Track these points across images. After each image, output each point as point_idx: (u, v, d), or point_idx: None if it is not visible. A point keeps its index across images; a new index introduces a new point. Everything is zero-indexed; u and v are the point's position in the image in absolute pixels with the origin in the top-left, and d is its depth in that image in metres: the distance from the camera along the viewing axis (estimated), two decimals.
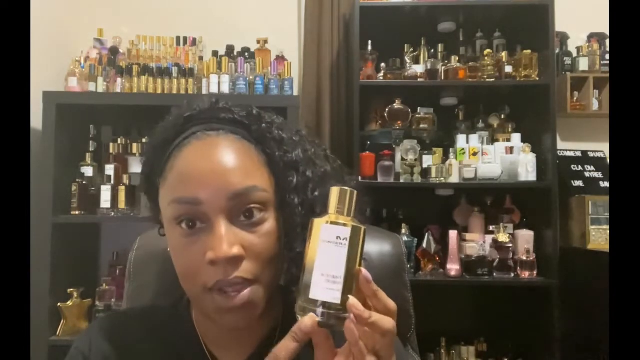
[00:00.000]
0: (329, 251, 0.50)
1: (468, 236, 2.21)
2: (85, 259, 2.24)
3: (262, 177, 0.60)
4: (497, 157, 2.24)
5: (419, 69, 2.31)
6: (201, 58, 2.34)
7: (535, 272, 2.11)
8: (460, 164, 2.21)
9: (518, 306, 2.30)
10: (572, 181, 2.33)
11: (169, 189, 0.59)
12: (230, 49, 2.38)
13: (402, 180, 2.20)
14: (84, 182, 2.00)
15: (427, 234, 2.19)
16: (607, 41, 2.49)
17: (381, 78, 2.32)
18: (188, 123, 0.62)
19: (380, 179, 2.19)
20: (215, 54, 2.31)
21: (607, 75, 2.40)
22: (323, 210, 0.54)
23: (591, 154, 2.46)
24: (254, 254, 0.57)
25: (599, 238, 2.16)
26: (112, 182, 2.01)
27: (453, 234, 2.14)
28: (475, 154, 2.25)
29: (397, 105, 2.30)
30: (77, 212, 1.97)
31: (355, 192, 0.53)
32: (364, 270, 0.51)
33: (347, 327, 0.48)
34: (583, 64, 2.44)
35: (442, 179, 2.19)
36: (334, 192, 0.53)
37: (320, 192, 0.60)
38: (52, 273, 1.88)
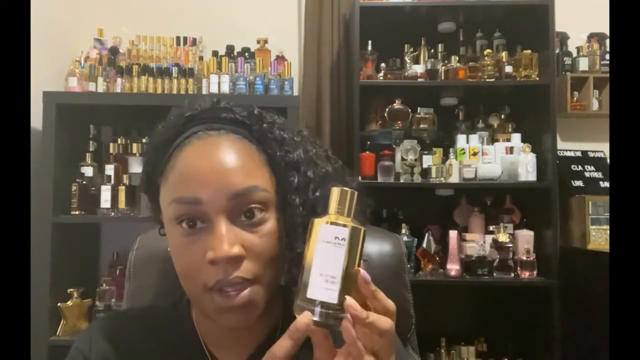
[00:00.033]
0: (327, 251, 0.50)
1: (468, 236, 2.21)
2: (85, 259, 2.24)
3: (263, 177, 0.60)
4: (497, 157, 2.24)
5: (419, 69, 2.31)
6: (201, 58, 2.34)
7: (535, 272, 2.11)
8: (460, 164, 2.21)
9: (518, 306, 2.30)
10: (572, 181, 2.33)
11: (169, 188, 0.59)
12: (230, 49, 2.38)
13: (402, 180, 2.20)
14: (84, 182, 2.00)
15: (427, 234, 2.19)
16: (607, 41, 2.49)
17: (381, 78, 2.32)
18: (189, 122, 0.62)
19: (380, 179, 2.19)
20: (215, 54, 2.31)
21: (607, 75, 2.40)
22: (324, 211, 0.53)
23: (591, 154, 2.46)
24: (255, 254, 0.57)
25: (599, 238, 2.16)
26: (112, 182, 2.01)
27: (453, 234, 2.14)
28: (475, 154, 2.25)
29: (397, 105, 2.30)
30: (77, 212, 1.97)
31: (356, 193, 0.53)
32: (362, 271, 0.51)
33: (344, 327, 0.48)
34: (583, 64, 2.44)
35: (442, 179, 2.19)
36: (334, 192, 0.53)
37: (322, 193, 0.60)
38: (52, 273, 1.88)
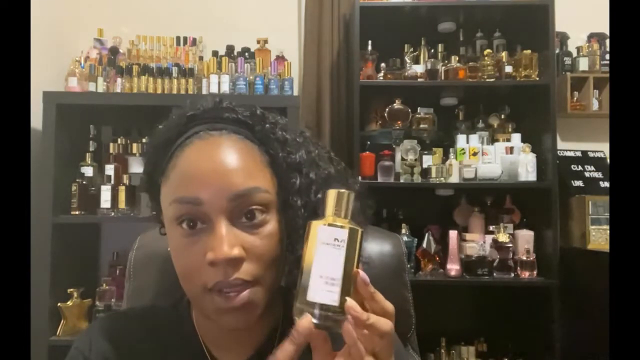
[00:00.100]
0: (326, 253, 0.50)
1: (468, 236, 2.21)
2: (85, 259, 2.24)
3: (265, 178, 0.59)
4: (497, 157, 2.24)
5: (419, 69, 2.31)
6: (201, 58, 2.34)
7: (535, 272, 2.11)
8: (460, 164, 2.21)
9: (518, 306, 2.30)
10: (572, 181, 2.33)
11: (170, 188, 0.59)
12: (230, 49, 2.38)
13: (402, 180, 2.20)
14: (84, 182, 2.00)
15: (427, 234, 2.19)
16: (607, 41, 2.49)
17: (381, 78, 2.32)
18: (191, 122, 0.62)
19: (380, 179, 2.19)
20: (215, 54, 2.31)
21: (607, 75, 2.40)
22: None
23: (591, 154, 2.46)
24: (255, 256, 0.56)
25: (599, 238, 2.16)
26: (112, 182, 2.01)
27: (453, 234, 2.14)
28: (475, 154, 2.25)
29: (397, 105, 2.30)
30: (77, 212, 1.97)
31: (353, 194, 0.53)
32: (361, 272, 0.50)
33: (345, 329, 0.48)
34: (583, 64, 2.44)
35: (442, 179, 2.19)
36: (331, 194, 0.53)
37: (323, 195, 0.60)
38: (52, 273, 1.88)
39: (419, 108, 2.38)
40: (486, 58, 2.28)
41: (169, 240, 0.60)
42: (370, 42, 2.34)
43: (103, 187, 1.99)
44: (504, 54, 2.30)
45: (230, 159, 0.57)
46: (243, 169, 0.57)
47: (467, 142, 2.29)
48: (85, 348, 0.64)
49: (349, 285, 0.50)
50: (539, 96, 2.22)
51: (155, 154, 0.63)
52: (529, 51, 2.25)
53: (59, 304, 1.90)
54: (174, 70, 2.18)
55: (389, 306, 0.51)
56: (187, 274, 0.58)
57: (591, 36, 2.51)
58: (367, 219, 0.65)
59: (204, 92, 2.15)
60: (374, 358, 0.50)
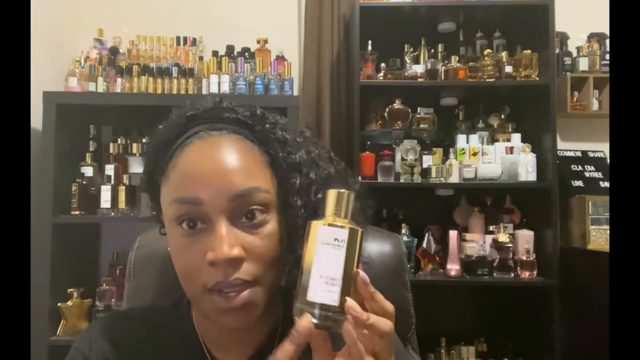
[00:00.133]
0: (326, 253, 0.50)
1: (468, 236, 2.21)
2: (85, 259, 2.24)
3: (265, 178, 0.59)
4: (497, 157, 2.24)
5: (419, 69, 2.31)
6: (201, 58, 2.34)
7: (535, 272, 2.11)
8: (460, 164, 2.21)
9: (518, 306, 2.30)
10: (572, 181, 2.33)
11: (170, 188, 0.59)
12: (230, 49, 2.38)
13: (402, 180, 2.20)
14: (84, 182, 2.00)
15: (427, 234, 2.19)
16: (607, 41, 2.49)
17: (381, 78, 2.32)
18: (191, 122, 0.61)
19: (380, 179, 2.20)
20: (215, 54, 2.31)
21: (607, 75, 2.40)
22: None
23: (591, 154, 2.46)
24: (255, 256, 0.56)
25: (599, 238, 2.16)
26: (112, 182, 2.01)
27: (453, 234, 2.14)
28: (475, 154, 2.25)
29: (397, 105, 2.30)
30: (77, 212, 1.97)
31: (352, 194, 0.53)
32: (361, 272, 0.50)
33: (345, 329, 0.48)
34: (583, 64, 2.44)
35: (442, 179, 2.19)
36: (331, 194, 0.53)
37: (323, 195, 0.60)
38: (52, 273, 1.88)
39: (419, 108, 2.38)
40: (486, 58, 2.28)
41: (169, 240, 0.60)
42: (370, 42, 2.33)
43: (103, 187, 1.99)
44: (504, 54, 2.30)
45: (230, 159, 0.57)
46: (243, 169, 0.57)
47: (467, 142, 2.29)
48: (85, 348, 0.64)
49: (349, 285, 0.50)
50: (539, 96, 2.22)
51: (155, 154, 0.63)
52: (529, 51, 2.25)
53: (59, 304, 1.90)
54: (174, 70, 2.18)
55: (389, 306, 0.51)
56: (187, 274, 0.58)
57: (591, 36, 2.51)
58: (367, 219, 0.65)
59: (204, 92, 2.15)
60: (374, 358, 0.50)
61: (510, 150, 2.21)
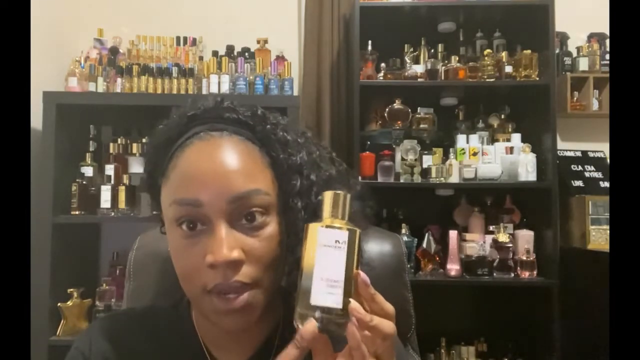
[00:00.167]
0: (328, 255, 0.49)
1: (468, 236, 2.21)
2: (85, 259, 2.24)
3: (265, 179, 0.59)
4: (497, 157, 2.24)
5: (419, 69, 2.31)
6: (201, 58, 2.34)
7: (535, 272, 2.11)
8: (460, 164, 2.21)
9: (518, 306, 2.30)
10: (572, 181, 2.33)
11: (170, 189, 0.58)
12: (230, 49, 2.38)
13: (402, 180, 2.20)
14: (84, 182, 2.00)
15: (427, 234, 2.19)
16: (607, 41, 2.49)
17: (381, 78, 2.32)
18: (191, 122, 0.61)
19: (380, 179, 2.20)
20: (215, 54, 2.31)
21: (607, 75, 2.40)
22: None
23: (591, 154, 2.46)
24: (255, 258, 0.56)
25: (599, 238, 2.16)
26: (112, 182, 2.01)
27: (453, 234, 2.14)
28: (475, 154, 2.25)
29: (397, 105, 2.30)
30: (77, 212, 1.97)
31: (349, 195, 0.53)
32: (362, 274, 0.50)
33: (349, 331, 0.48)
34: (583, 64, 2.44)
35: (442, 179, 2.19)
36: (328, 196, 0.53)
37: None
38: (52, 273, 1.88)
39: (419, 108, 2.38)
40: (486, 58, 2.28)
41: (169, 241, 0.60)
42: (370, 42, 2.33)
43: (103, 187, 1.99)
44: (504, 54, 2.30)
45: (230, 160, 0.57)
46: (243, 171, 0.57)
47: (467, 142, 2.29)
48: (85, 348, 0.64)
49: (350, 287, 0.49)
50: (539, 96, 2.22)
51: (156, 153, 0.62)
52: (529, 51, 2.25)
53: (59, 304, 1.90)
54: (174, 70, 2.18)
55: (390, 307, 0.51)
56: (187, 275, 0.58)
57: (591, 36, 2.51)
58: (368, 221, 0.65)
59: (204, 92, 2.15)
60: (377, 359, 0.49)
61: (510, 150, 2.21)
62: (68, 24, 2.40)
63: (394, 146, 2.28)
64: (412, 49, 2.36)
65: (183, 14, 2.53)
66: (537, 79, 2.24)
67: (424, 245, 2.17)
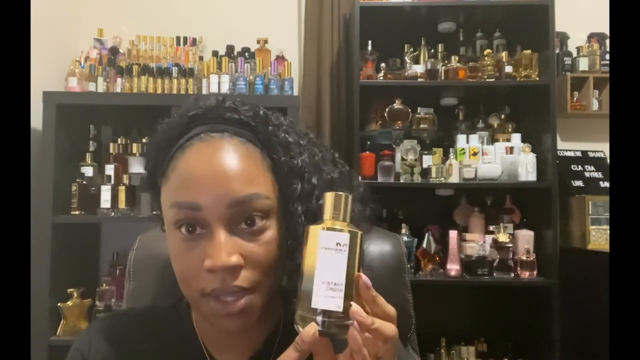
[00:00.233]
0: (329, 258, 0.49)
1: (468, 236, 2.21)
2: (85, 259, 2.24)
3: (266, 183, 0.58)
4: (497, 157, 2.24)
5: (419, 69, 2.31)
6: (201, 58, 2.34)
7: (535, 272, 2.11)
8: (460, 164, 2.21)
9: (518, 306, 2.30)
10: (572, 181, 2.33)
11: (170, 190, 0.58)
12: (230, 49, 2.38)
13: (402, 180, 2.20)
14: (84, 182, 2.00)
15: (427, 234, 2.19)
16: (607, 41, 2.49)
17: (381, 78, 2.32)
18: (192, 122, 0.60)
19: (380, 179, 2.20)
20: (215, 54, 2.31)
21: (607, 75, 2.40)
22: None
23: (591, 154, 2.46)
24: (254, 263, 0.55)
25: (599, 238, 2.16)
26: (112, 182, 2.01)
27: (453, 234, 2.14)
28: (475, 154, 2.25)
29: (397, 105, 2.30)
30: (77, 212, 1.97)
31: (350, 196, 0.52)
32: (363, 276, 0.50)
33: (350, 334, 0.48)
34: (583, 64, 2.44)
35: (442, 179, 2.19)
36: (329, 197, 0.52)
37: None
38: (52, 273, 1.88)
39: (419, 108, 2.38)
40: (486, 58, 2.28)
41: (168, 243, 0.59)
42: (370, 42, 2.33)
43: (103, 187, 1.99)
44: (504, 54, 2.30)
45: (230, 163, 0.56)
46: (243, 174, 0.56)
47: (467, 142, 2.29)
48: (85, 349, 0.64)
49: (351, 289, 0.49)
50: (539, 96, 2.22)
51: (156, 153, 0.62)
52: (529, 51, 2.25)
53: (59, 304, 1.90)
54: (174, 70, 2.18)
55: (391, 310, 0.51)
56: (185, 279, 0.57)
57: (591, 36, 2.51)
58: (371, 223, 0.64)
59: (204, 92, 2.15)
60: None
61: (510, 150, 2.21)
62: (68, 24, 2.40)
63: (394, 146, 2.28)
64: (412, 49, 2.36)
65: (183, 14, 2.53)
66: (537, 79, 2.24)
67: (424, 245, 2.17)
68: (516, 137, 2.28)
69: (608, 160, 2.44)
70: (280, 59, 2.37)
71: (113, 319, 0.70)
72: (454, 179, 2.19)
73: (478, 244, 2.17)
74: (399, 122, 2.31)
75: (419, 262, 2.19)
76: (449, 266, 2.13)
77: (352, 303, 0.48)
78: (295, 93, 2.30)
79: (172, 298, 0.71)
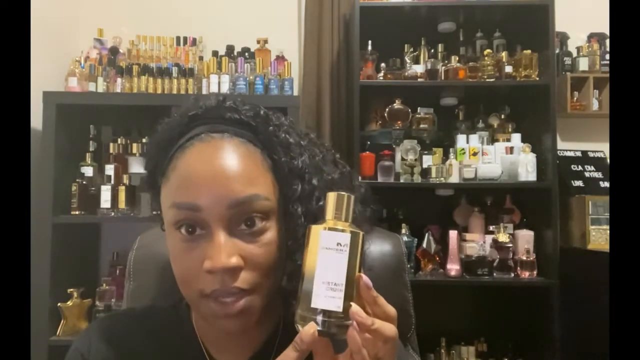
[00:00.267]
0: (329, 258, 0.49)
1: (468, 236, 2.21)
2: (85, 259, 2.24)
3: (266, 184, 0.58)
4: (497, 157, 2.24)
5: (419, 69, 2.31)
6: (201, 58, 2.34)
7: (535, 272, 2.11)
8: (460, 164, 2.21)
9: (518, 306, 2.30)
10: (572, 181, 2.33)
11: (169, 190, 0.58)
12: (230, 49, 2.38)
13: (402, 180, 2.20)
14: (84, 182, 2.00)
15: (427, 234, 2.19)
16: (607, 41, 2.49)
17: (381, 78, 2.32)
18: (193, 122, 0.60)
19: (380, 179, 2.20)
20: (215, 54, 2.31)
21: (607, 75, 2.40)
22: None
23: (591, 154, 2.46)
24: (253, 264, 0.55)
25: (599, 238, 2.16)
26: (112, 182, 2.01)
27: (453, 234, 2.14)
28: (475, 154, 2.25)
29: (397, 105, 2.30)
30: (77, 212, 1.97)
31: (352, 196, 0.52)
32: (364, 277, 0.50)
33: (350, 335, 0.48)
34: (583, 64, 2.44)
35: (442, 179, 2.19)
36: (331, 197, 0.52)
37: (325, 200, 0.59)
38: (52, 273, 1.88)
39: (419, 108, 2.38)
40: (486, 58, 2.28)
41: (168, 243, 0.59)
42: (370, 42, 2.33)
43: (103, 187, 1.99)
44: (504, 54, 2.30)
45: (230, 164, 0.56)
46: (243, 175, 0.56)
47: (467, 142, 2.29)
48: (85, 349, 0.64)
49: (351, 290, 0.49)
50: (539, 96, 2.22)
51: (156, 153, 0.61)
52: (529, 51, 2.25)
53: (59, 304, 1.90)
54: (174, 70, 2.18)
55: (391, 310, 0.51)
56: (185, 279, 0.57)
57: (591, 36, 2.51)
58: (372, 224, 0.64)
59: (204, 92, 2.15)
60: None
61: (510, 150, 2.21)
62: (68, 24, 2.40)
63: (394, 146, 2.28)
64: (412, 49, 2.36)
65: (183, 14, 2.53)
66: (537, 79, 2.24)
67: (424, 245, 2.17)
68: (516, 137, 2.28)
69: (608, 160, 2.44)
70: (280, 59, 2.37)
71: (113, 319, 0.70)
72: (454, 179, 2.19)
73: (478, 244, 2.17)
74: (399, 122, 2.31)
75: (419, 262, 2.19)
76: (449, 266, 2.13)
77: (352, 303, 0.48)
78: (295, 93, 2.30)
79: (172, 298, 0.71)
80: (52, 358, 1.87)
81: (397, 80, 2.31)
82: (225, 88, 2.13)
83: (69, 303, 1.92)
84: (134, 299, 0.84)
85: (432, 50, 2.40)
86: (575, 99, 2.43)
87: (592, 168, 2.39)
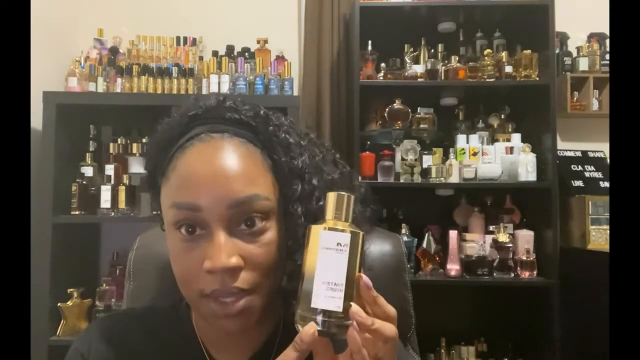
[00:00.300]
0: (329, 258, 0.49)
1: (468, 236, 2.21)
2: (85, 259, 2.24)
3: (266, 184, 0.58)
4: (497, 157, 2.24)
5: (419, 69, 2.31)
6: (201, 58, 2.34)
7: (535, 272, 2.11)
8: (460, 164, 2.21)
9: (518, 306, 2.30)
10: (572, 181, 2.33)
11: (169, 190, 0.58)
12: (230, 49, 2.38)
13: (402, 180, 2.20)
14: (84, 182, 2.00)
15: (427, 234, 2.19)
16: (607, 41, 2.49)
17: (381, 78, 2.32)
18: (193, 122, 0.60)
19: (380, 179, 2.20)
20: (215, 54, 2.31)
21: (607, 75, 2.40)
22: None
23: (591, 154, 2.46)
24: (253, 264, 0.55)
25: (599, 238, 2.16)
26: (112, 182, 2.01)
27: (453, 234, 2.14)
28: (475, 154, 2.25)
29: (397, 105, 2.30)
30: (77, 212, 1.97)
31: (353, 196, 0.52)
32: (364, 277, 0.50)
33: (349, 335, 0.48)
34: (583, 64, 2.44)
35: (442, 179, 2.19)
36: (331, 197, 0.52)
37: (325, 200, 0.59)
38: (52, 273, 1.88)
39: (419, 108, 2.38)
40: (486, 58, 2.28)
41: (168, 243, 0.59)
42: (370, 42, 2.33)
43: (103, 187, 1.99)
44: (504, 54, 2.30)
45: (230, 164, 0.56)
46: (243, 175, 0.56)
47: (467, 142, 2.29)
48: (84, 349, 0.64)
49: (351, 290, 0.49)
50: (539, 96, 2.22)
51: (156, 152, 0.61)
52: (529, 51, 2.25)
53: (59, 304, 1.90)
54: (174, 70, 2.18)
55: (392, 310, 0.51)
56: (185, 279, 0.57)
57: (591, 36, 2.51)
58: (372, 224, 0.64)
59: (204, 92, 2.15)
60: None
61: (510, 150, 2.21)
62: (68, 24, 2.40)
63: (394, 146, 2.28)
64: (412, 49, 2.36)
65: (183, 14, 2.53)
66: (537, 79, 2.24)
67: (424, 245, 2.17)
68: (516, 137, 2.28)
69: (608, 160, 2.44)
70: (280, 59, 2.37)
71: (113, 319, 0.70)
72: (454, 179, 2.19)
73: (478, 244, 2.17)
74: (399, 122, 2.31)
75: (419, 262, 2.19)
76: (449, 266, 2.13)
77: (352, 303, 0.48)
78: (295, 93, 2.30)
79: (172, 298, 0.71)
80: (52, 358, 1.87)
81: (397, 80, 2.31)
82: (225, 88, 2.13)
83: (69, 303, 1.92)
84: (134, 299, 0.84)
85: (432, 50, 2.40)
86: (575, 99, 2.43)
87: (592, 168, 2.39)
